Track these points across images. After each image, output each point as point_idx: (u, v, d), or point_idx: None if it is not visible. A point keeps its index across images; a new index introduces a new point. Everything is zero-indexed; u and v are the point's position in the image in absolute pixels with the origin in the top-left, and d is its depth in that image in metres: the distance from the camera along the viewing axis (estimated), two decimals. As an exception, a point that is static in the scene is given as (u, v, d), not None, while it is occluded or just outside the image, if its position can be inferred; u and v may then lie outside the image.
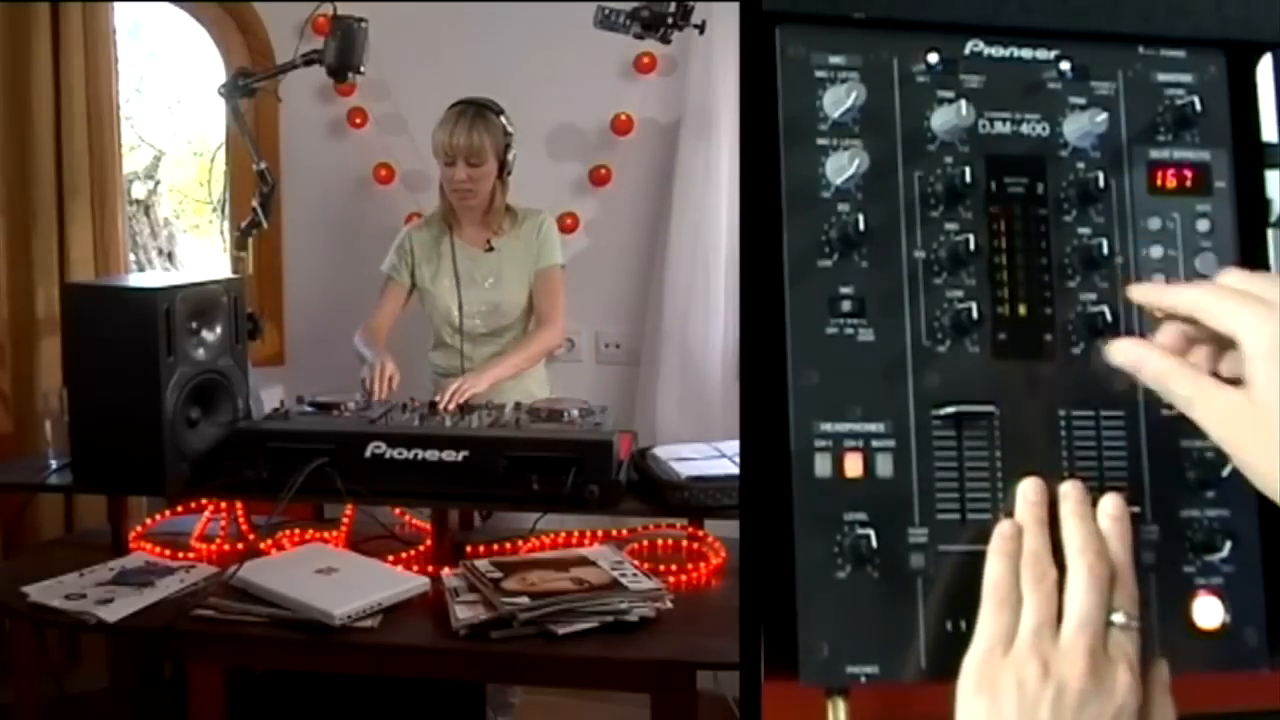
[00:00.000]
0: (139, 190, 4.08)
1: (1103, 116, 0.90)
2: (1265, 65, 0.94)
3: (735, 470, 1.82)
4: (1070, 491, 0.84)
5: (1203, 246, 0.93)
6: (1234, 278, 0.79)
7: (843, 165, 0.88)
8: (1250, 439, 0.74)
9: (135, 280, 2.28)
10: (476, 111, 2.45)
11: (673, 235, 3.02)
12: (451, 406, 2.03)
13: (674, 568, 1.80)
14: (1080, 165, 0.92)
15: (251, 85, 2.26)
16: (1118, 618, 0.79)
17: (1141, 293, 0.85)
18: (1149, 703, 0.79)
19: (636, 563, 1.75)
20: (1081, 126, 0.91)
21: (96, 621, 1.59)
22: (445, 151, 2.45)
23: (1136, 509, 0.87)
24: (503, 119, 2.48)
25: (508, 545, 1.88)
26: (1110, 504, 0.83)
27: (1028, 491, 0.85)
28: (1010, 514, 0.85)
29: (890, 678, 0.85)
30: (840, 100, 0.89)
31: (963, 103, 0.89)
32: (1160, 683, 0.81)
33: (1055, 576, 0.80)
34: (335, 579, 1.68)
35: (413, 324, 2.69)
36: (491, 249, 2.55)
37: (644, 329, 3.12)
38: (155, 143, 4.16)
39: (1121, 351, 0.82)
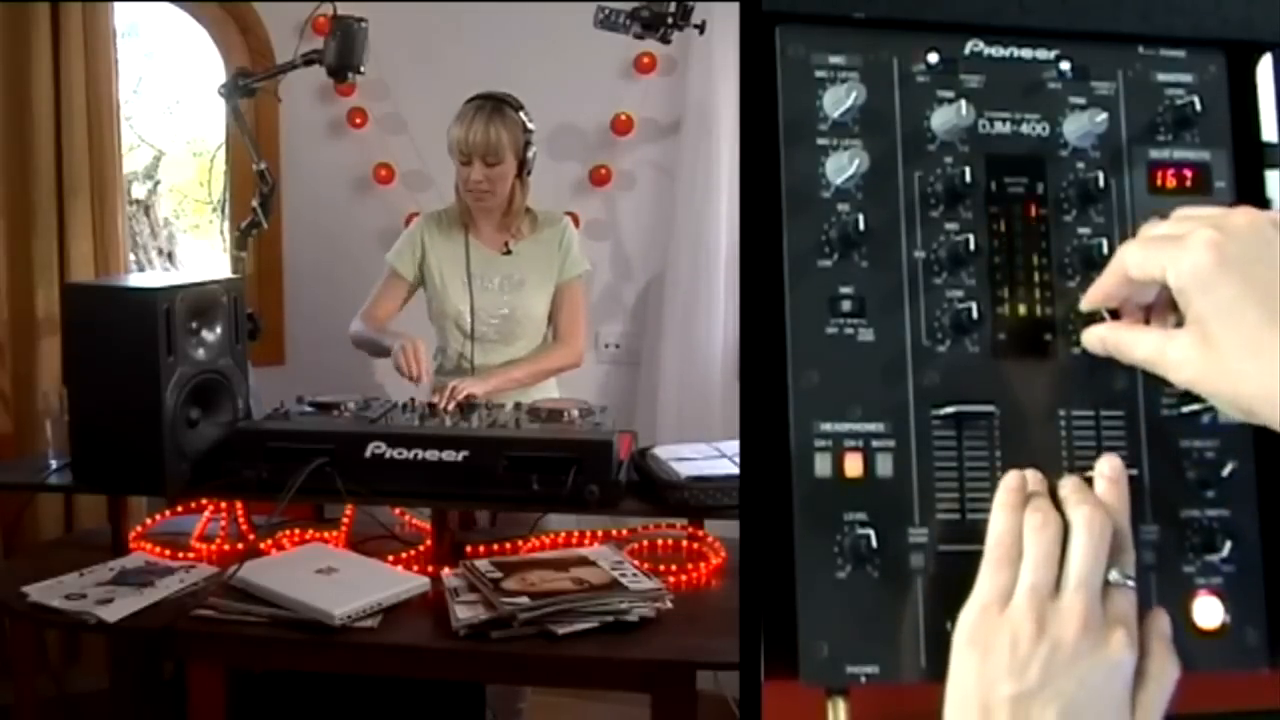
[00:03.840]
0: (139, 190, 4.08)
1: (1103, 116, 0.90)
2: (1265, 65, 0.94)
3: (735, 470, 1.82)
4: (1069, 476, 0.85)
5: (1203, 246, 0.92)
6: (1154, 227, 0.80)
7: (843, 165, 0.88)
8: (1213, 371, 0.74)
9: (135, 280, 2.28)
10: (494, 107, 2.36)
11: (673, 235, 3.02)
12: (450, 407, 2.02)
13: (674, 568, 1.80)
14: (1080, 165, 0.92)
15: (251, 85, 2.26)
16: (1114, 576, 0.79)
17: (1086, 300, 0.86)
18: (1146, 656, 0.79)
19: (636, 563, 1.75)
20: (1081, 126, 0.91)
21: (96, 621, 1.59)
22: (461, 150, 2.36)
23: (1135, 471, 0.87)
24: (522, 115, 2.39)
25: (508, 545, 1.88)
26: (1106, 465, 0.83)
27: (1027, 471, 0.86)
28: None
29: (890, 678, 0.85)
30: (840, 100, 0.89)
31: (963, 103, 0.89)
32: (1158, 635, 0.81)
33: (1058, 526, 0.80)
34: (335, 579, 1.68)
35: (410, 321, 2.69)
36: (509, 252, 2.46)
37: (644, 329, 3.12)
38: (155, 143, 4.16)
39: (1090, 340, 0.85)
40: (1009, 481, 0.84)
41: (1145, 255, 0.77)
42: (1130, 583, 0.79)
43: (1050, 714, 0.75)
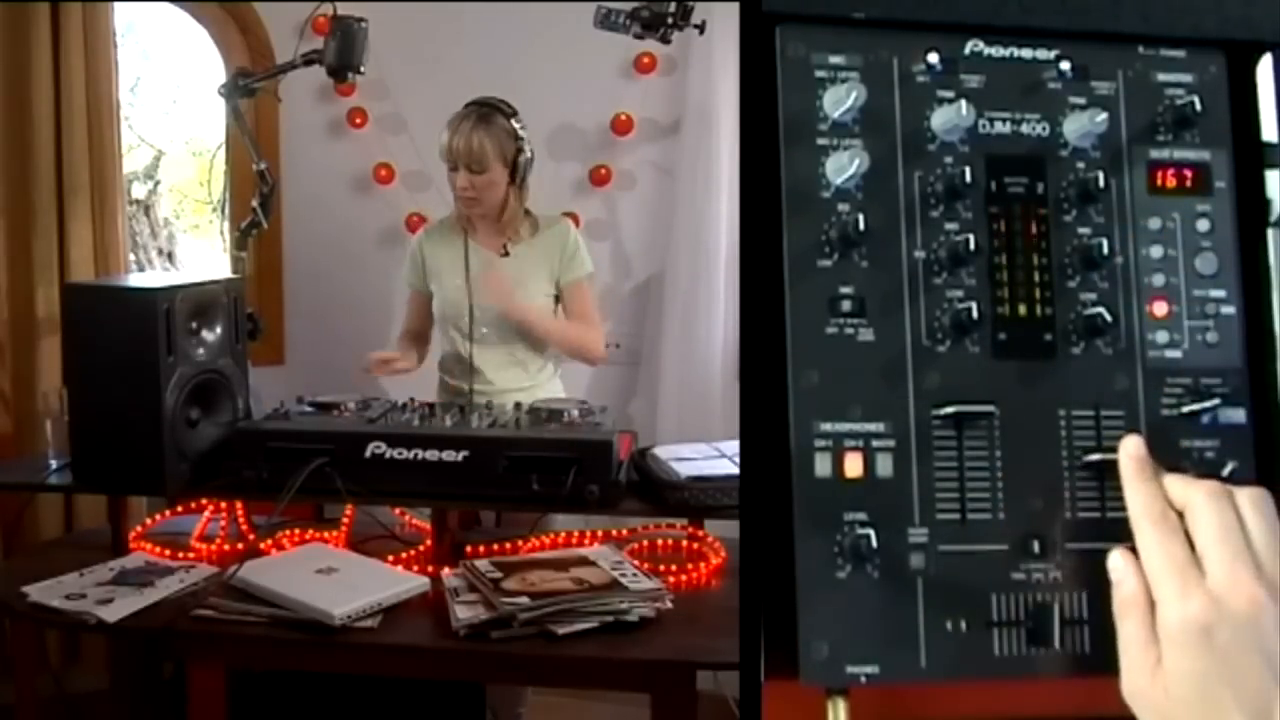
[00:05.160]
0: (139, 190, 4.08)
1: (1103, 116, 0.90)
2: (1265, 65, 0.94)
3: (735, 470, 1.82)
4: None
5: (1203, 246, 0.93)
6: (1203, 503, 0.78)
7: (843, 165, 0.88)
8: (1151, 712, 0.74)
9: (135, 280, 2.28)
10: (481, 115, 2.37)
11: (673, 235, 3.02)
12: (485, 300, 2.06)
13: (674, 568, 1.80)
14: (1080, 165, 0.92)
15: (251, 85, 2.26)
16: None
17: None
18: None
19: (636, 563, 1.75)
20: (1081, 126, 0.91)
21: (96, 621, 1.59)
22: (447, 156, 2.38)
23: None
24: (513, 122, 2.39)
25: (508, 545, 1.88)
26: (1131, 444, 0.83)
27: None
28: (1017, 512, 0.85)
29: (890, 678, 0.85)
30: (840, 100, 0.89)
31: (963, 103, 0.89)
32: None
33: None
34: (335, 579, 1.68)
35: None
36: (507, 254, 2.48)
37: (644, 329, 3.12)
38: (155, 143, 4.16)
39: (1114, 559, 0.82)
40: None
41: (1156, 550, 0.77)
42: None
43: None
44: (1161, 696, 0.75)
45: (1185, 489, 0.80)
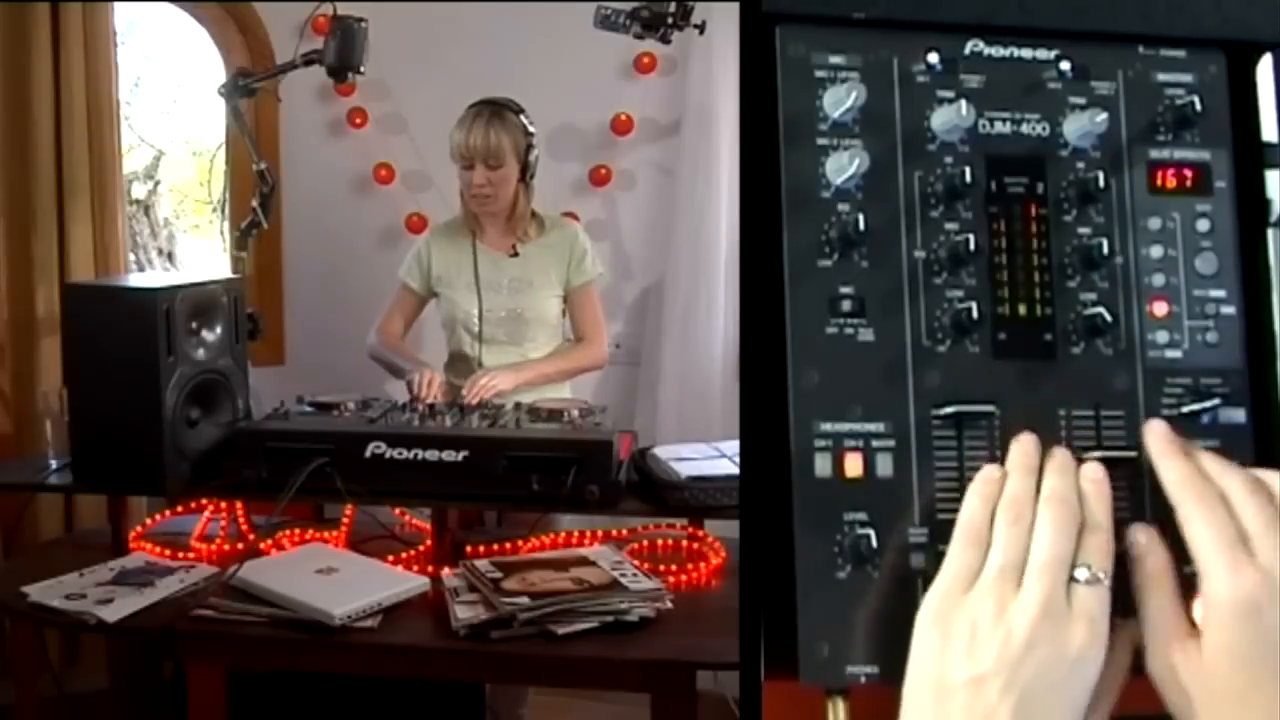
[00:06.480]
0: (139, 190, 4.08)
1: (1103, 116, 0.90)
2: (1265, 65, 0.94)
3: (735, 470, 1.82)
4: (1056, 451, 0.84)
5: (1203, 246, 0.93)
6: (1246, 491, 0.77)
7: (843, 165, 0.88)
8: (1176, 697, 0.74)
9: (135, 280, 2.28)
10: (494, 111, 2.37)
11: (673, 235, 3.02)
12: (475, 400, 2.03)
13: (674, 568, 1.80)
14: (1080, 165, 0.92)
15: (251, 85, 2.26)
16: (1080, 573, 0.77)
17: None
18: (1110, 660, 0.77)
19: (636, 563, 1.75)
20: (1081, 126, 0.91)
21: (96, 621, 1.59)
22: (462, 154, 2.37)
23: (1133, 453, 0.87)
24: (523, 119, 2.40)
25: (508, 545, 1.88)
26: (1091, 469, 0.83)
27: (1023, 442, 0.85)
28: None
29: (890, 678, 0.85)
30: (840, 100, 0.89)
31: (963, 103, 0.89)
32: (1120, 644, 0.79)
33: (1031, 521, 0.79)
34: (335, 579, 1.68)
35: (422, 330, 2.69)
36: (516, 254, 2.47)
37: (644, 329, 3.12)
38: (155, 143, 4.16)
39: (1141, 535, 0.81)
40: (986, 473, 0.83)
41: (1201, 533, 0.76)
42: (1104, 580, 0.77)
43: (1006, 702, 0.73)
44: (1195, 671, 0.74)
45: (1222, 472, 0.79)
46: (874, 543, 0.84)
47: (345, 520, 1.94)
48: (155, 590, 1.68)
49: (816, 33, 0.90)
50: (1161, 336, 0.91)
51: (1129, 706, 0.80)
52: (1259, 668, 0.72)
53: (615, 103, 3.04)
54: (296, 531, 1.95)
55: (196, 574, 1.76)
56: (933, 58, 0.92)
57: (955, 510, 0.87)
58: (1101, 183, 0.90)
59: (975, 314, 0.87)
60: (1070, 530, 0.78)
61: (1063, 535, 0.77)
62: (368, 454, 1.78)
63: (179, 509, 2.05)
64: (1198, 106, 0.92)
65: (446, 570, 1.74)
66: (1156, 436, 0.84)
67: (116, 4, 2.86)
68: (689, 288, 2.99)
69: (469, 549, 1.84)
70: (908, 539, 0.87)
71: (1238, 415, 0.91)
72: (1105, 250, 0.90)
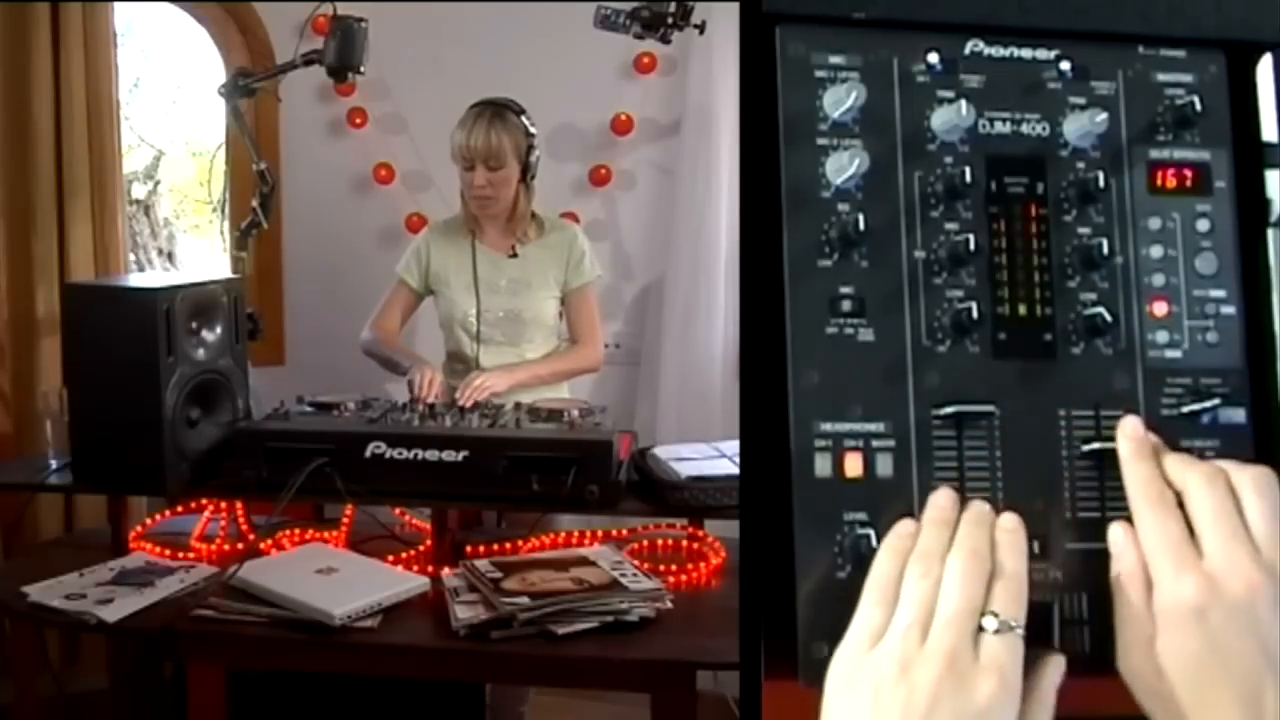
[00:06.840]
0: (139, 190, 4.08)
1: (1103, 116, 0.90)
2: (1265, 65, 0.94)
3: (735, 470, 1.82)
4: (973, 504, 0.84)
5: (1203, 246, 0.93)
6: (1200, 485, 0.78)
7: (843, 165, 0.88)
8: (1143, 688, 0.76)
9: (135, 280, 2.28)
10: (495, 112, 2.36)
11: (673, 235, 3.02)
12: (468, 403, 2.03)
13: (674, 568, 1.80)
14: (1080, 165, 0.92)
15: (251, 85, 2.26)
16: (988, 622, 0.75)
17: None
18: (1027, 704, 0.76)
19: (636, 563, 1.75)
20: (1081, 126, 0.91)
21: (96, 621, 1.59)
22: (463, 155, 2.36)
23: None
24: (524, 119, 2.39)
25: (508, 545, 1.88)
26: (1006, 519, 0.82)
27: (937, 497, 0.84)
28: (1017, 512, 0.85)
29: (890, 678, 0.85)
30: (840, 100, 0.89)
31: (963, 103, 0.89)
32: (1037, 694, 0.78)
33: (939, 577, 0.78)
34: (335, 579, 1.68)
35: (417, 326, 2.69)
36: (515, 255, 2.47)
37: (644, 329, 3.12)
38: (155, 143, 4.16)
39: (1114, 531, 0.82)
40: (899, 528, 0.83)
41: (1154, 532, 0.77)
42: (1015, 628, 0.76)
43: None
44: (1154, 674, 0.75)
45: (1183, 470, 0.80)
46: (874, 543, 0.84)
47: (345, 520, 1.94)
48: (155, 590, 1.68)
49: (816, 33, 0.90)
50: (1161, 336, 0.91)
51: (1113, 708, 0.80)
52: (1208, 667, 0.72)
53: (615, 103, 3.04)
54: (296, 531, 1.95)
55: (196, 574, 1.76)
56: (933, 58, 0.92)
57: (955, 510, 0.87)
58: (1101, 183, 0.90)
59: (975, 314, 0.87)
60: (979, 580, 0.77)
61: (971, 586, 0.77)
62: (368, 454, 1.78)
63: (179, 509, 2.05)
64: (1198, 106, 0.92)
65: (446, 570, 1.74)
66: (1125, 438, 0.84)
67: (116, 4, 2.86)
68: (689, 287, 2.99)
69: (469, 549, 1.84)
70: (908, 539, 0.87)
71: (1238, 415, 0.91)
72: (1105, 250, 0.90)
